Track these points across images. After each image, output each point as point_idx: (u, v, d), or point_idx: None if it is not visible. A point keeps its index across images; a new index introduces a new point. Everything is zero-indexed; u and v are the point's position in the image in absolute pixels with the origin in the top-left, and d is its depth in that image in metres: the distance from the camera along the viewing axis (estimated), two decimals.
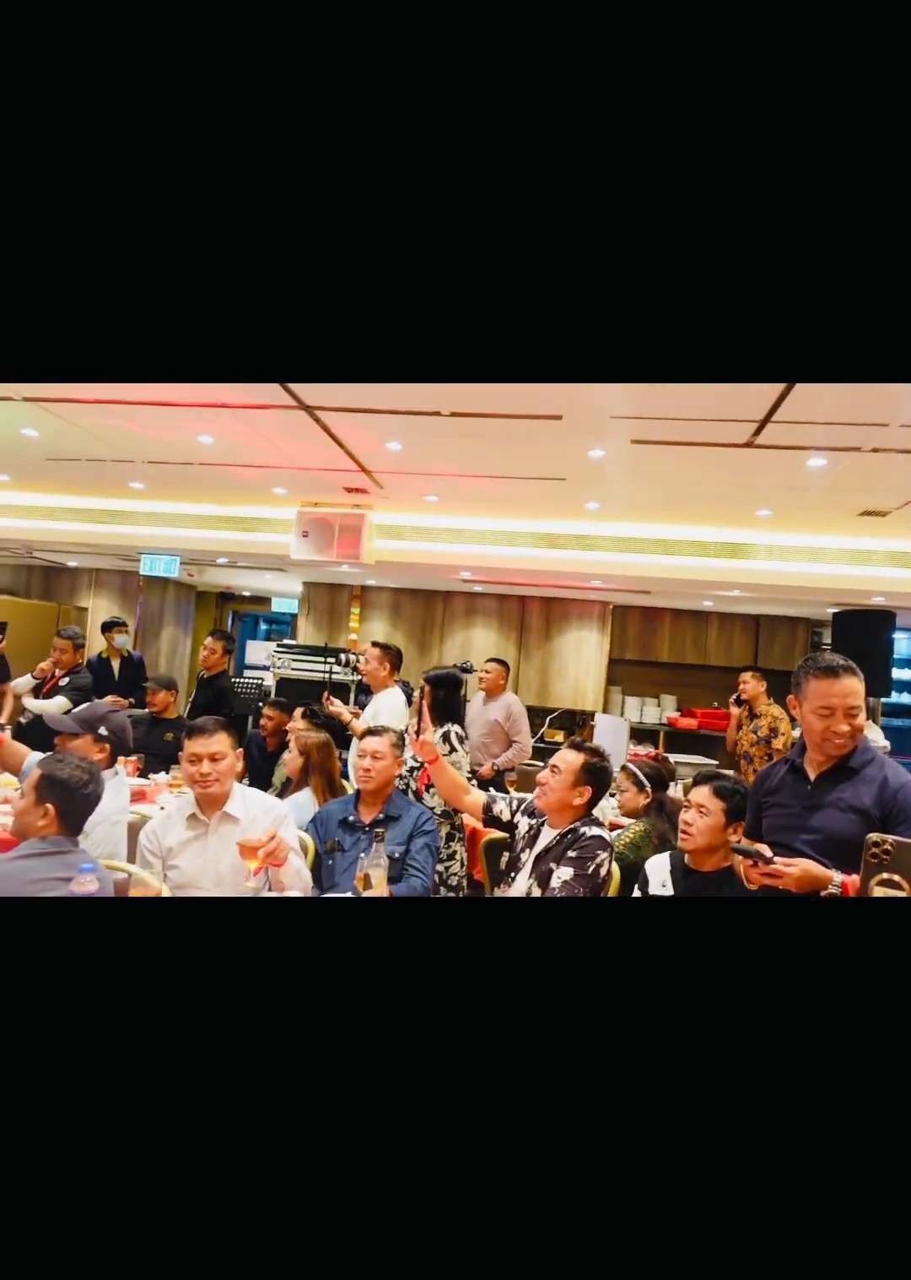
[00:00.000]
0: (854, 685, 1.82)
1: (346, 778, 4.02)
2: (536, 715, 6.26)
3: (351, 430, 3.98)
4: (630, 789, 3.10)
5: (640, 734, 7.09)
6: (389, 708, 4.02)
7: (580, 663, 7.18)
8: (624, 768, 3.17)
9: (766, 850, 1.76)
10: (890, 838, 1.43)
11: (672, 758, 5.65)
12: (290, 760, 3.30)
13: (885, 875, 1.40)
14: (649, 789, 3.02)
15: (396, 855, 2.51)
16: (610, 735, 6.05)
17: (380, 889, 2.11)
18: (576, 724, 7.09)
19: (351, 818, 2.63)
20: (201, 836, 2.23)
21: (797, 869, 1.67)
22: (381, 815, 2.61)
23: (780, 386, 2.95)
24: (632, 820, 3.06)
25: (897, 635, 6.56)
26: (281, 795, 3.25)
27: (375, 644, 4.32)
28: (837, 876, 1.65)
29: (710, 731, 7.03)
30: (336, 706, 3.96)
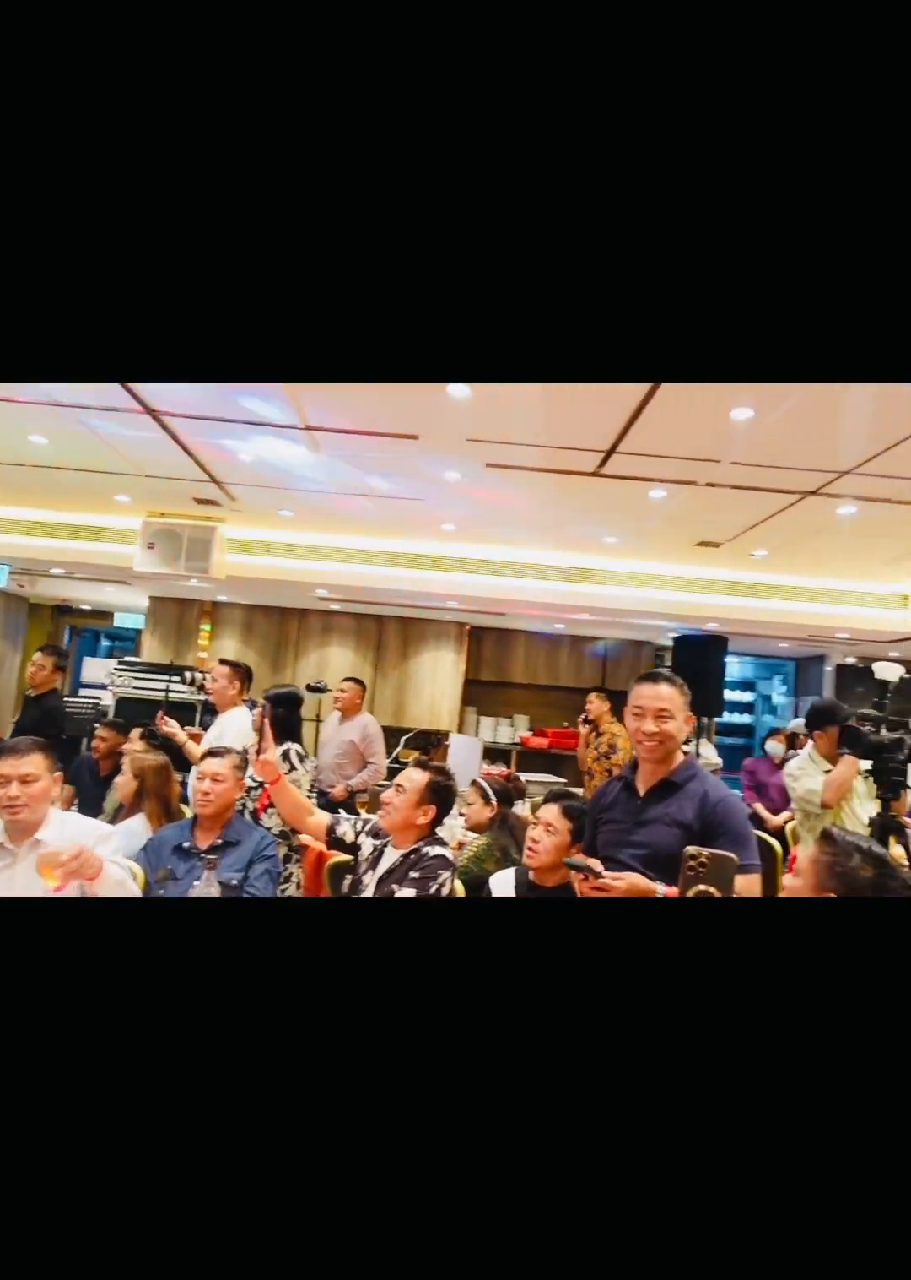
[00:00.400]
0: (666, 691, 1.89)
1: (186, 803, 3.80)
2: (392, 735, 6.21)
3: (201, 439, 3.82)
4: (477, 802, 3.11)
5: (493, 753, 7.19)
6: (235, 728, 3.84)
7: (436, 683, 7.21)
8: (473, 782, 3.19)
9: (596, 865, 1.81)
10: (705, 851, 1.49)
11: (524, 776, 5.76)
12: (123, 784, 3.08)
13: (701, 886, 1.45)
14: (495, 803, 3.05)
15: (235, 881, 2.39)
16: (464, 755, 6.09)
17: None
18: (431, 744, 7.10)
19: (187, 844, 2.47)
20: (8, 867, 2.01)
21: (624, 883, 1.72)
22: (219, 840, 2.47)
23: (625, 417, 3.10)
24: (477, 835, 3.07)
25: (730, 659, 7.04)
26: (113, 822, 3.02)
27: (223, 662, 4.14)
28: (661, 889, 1.71)
29: (561, 750, 7.24)
30: (171, 726, 3.74)
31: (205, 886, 2.05)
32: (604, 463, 3.61)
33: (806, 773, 3.27)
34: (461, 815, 3.42)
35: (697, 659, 6.35)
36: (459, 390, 2.97)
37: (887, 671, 2.70)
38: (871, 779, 2.67)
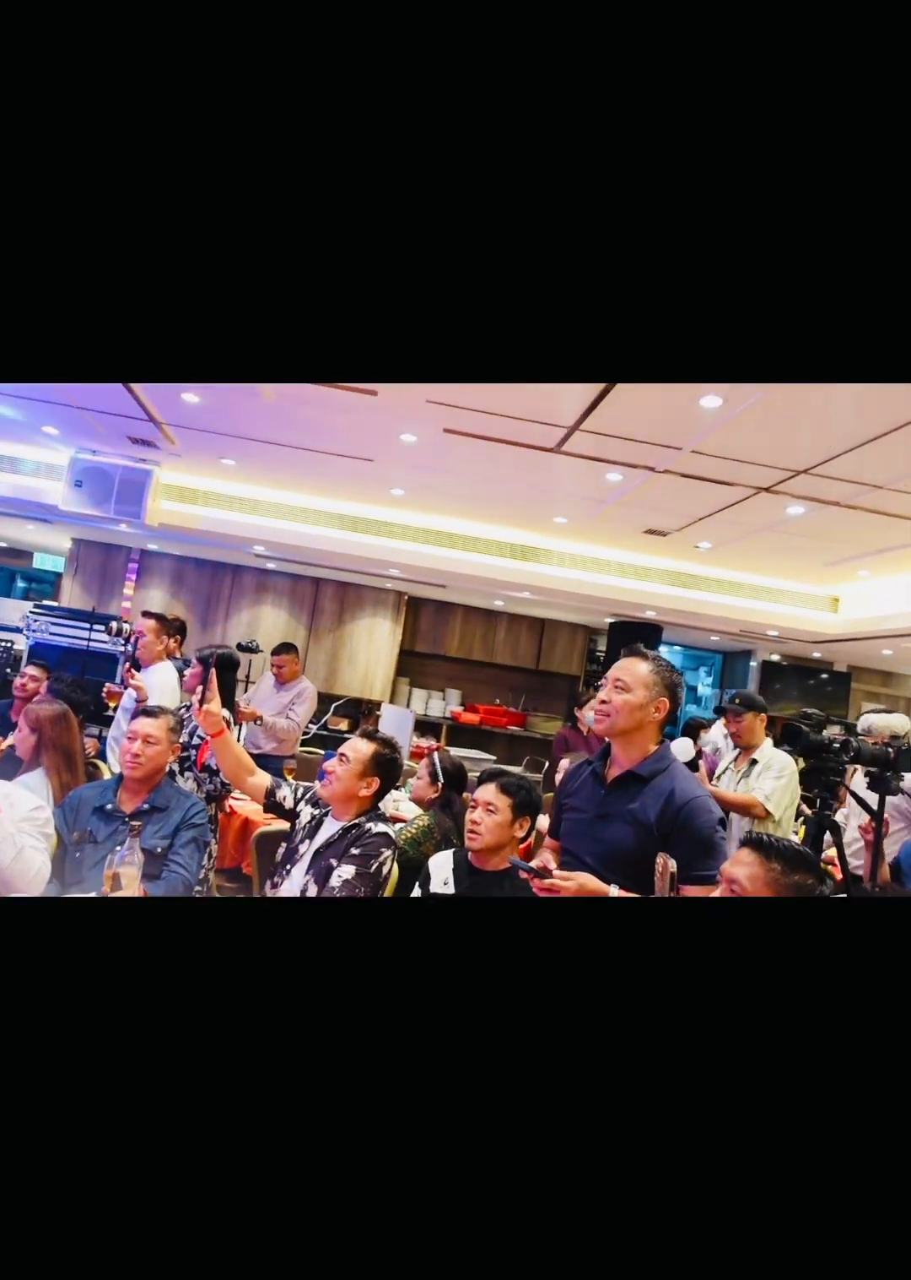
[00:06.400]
0: (635, 664, 1.82)
1: (103, 759, 3.60)
2: (322, 702, 6.07)
3: None
4: (426, 777, 3.01)
5: (424, 727, 7.13)
6: (160, 684, 3.65)
7: (371, 651, 7.08)
8: (430, 754, 3.08)
9: (548, 863, 1.74)
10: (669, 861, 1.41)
11: (453, 751, 5.73)
12: (20, 740, 2.83)
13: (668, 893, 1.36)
14: (439, 784, 2.95)
15: (159, 850, 2.24)
16: (396, 726, 6.00)
17: (131, 889, 1.84)
18: (362, 713, 6.99)
19: (109, 806, 2.31)
20: None
21: (574, 884, 1.63)
22: (146, 805, 2.31)
23: (593, 395, 3.02)
24: (417, 811, 2.98)
25: (661, 648, 7.14)
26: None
27: (148, 614, 3.92)
28: (613, 891, 1.64)
29: (491, 727, 7.24)
30: (137, 681, 3.49)
31: (128, 854, 1.90)
32: (566, 439, 3.53)
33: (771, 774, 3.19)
34: (399, 788, 3.32)
35: (631, 645, 6.42)
36: None
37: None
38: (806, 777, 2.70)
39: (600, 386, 2.94)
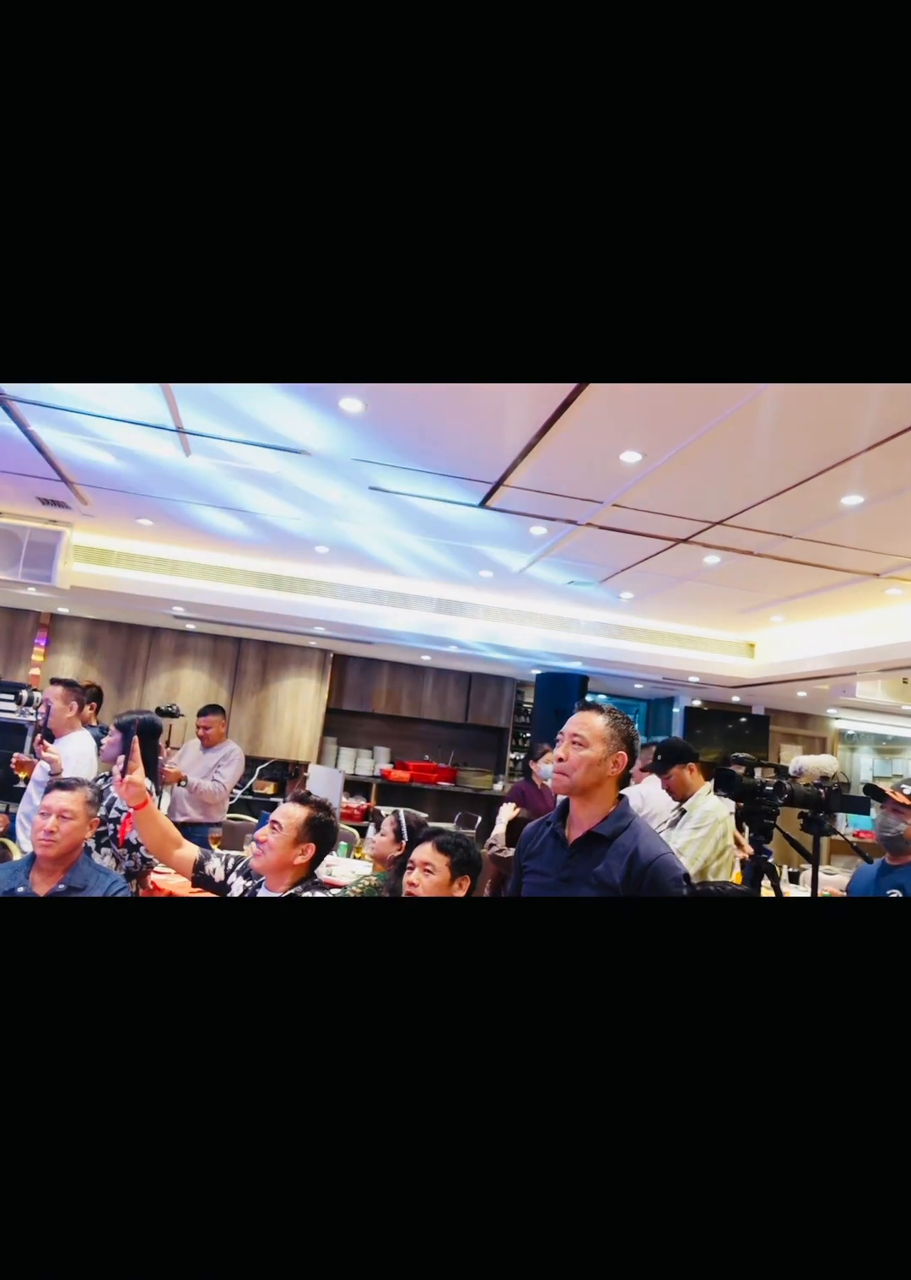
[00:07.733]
0: (589, 717, 1.77)
1: (12, 837, 3.37)
2: (248, 765, 5.87)
3: (54, 430, 3.44)
4: (389, 834, 2.89)
5: (354, 786, 6.98)
6: (75, 754, 3.44)
7: (297, 711, 6.92)
8: (392, 813, 2.97)
9: None
10: None
11: (384, 810, 5.61)
12: None
13: None
14: (403, 843, 2.84)
15: None
16: (324, 787, 5.84)
17: None
18: (289, 775, 6.80)
19: (21, 889, 2.14)
20: None
21: None
22: (61, 886, 2.15)
23: (518, 450, 3.07)
24: (360, 874, 2.86)
25: (588, 697, 7.24)
26: None
27: (57, 681, 3.72)
28: None
29: (422, 784, 7.14)
30: (51, 753, 3.25)
31: None
32: (491, 495, 3.57)
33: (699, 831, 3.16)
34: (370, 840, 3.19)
35: (559, 696, 6.49)
36: (351, 404, 2.83)
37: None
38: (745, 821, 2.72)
39: (525, 442, 2.99)
